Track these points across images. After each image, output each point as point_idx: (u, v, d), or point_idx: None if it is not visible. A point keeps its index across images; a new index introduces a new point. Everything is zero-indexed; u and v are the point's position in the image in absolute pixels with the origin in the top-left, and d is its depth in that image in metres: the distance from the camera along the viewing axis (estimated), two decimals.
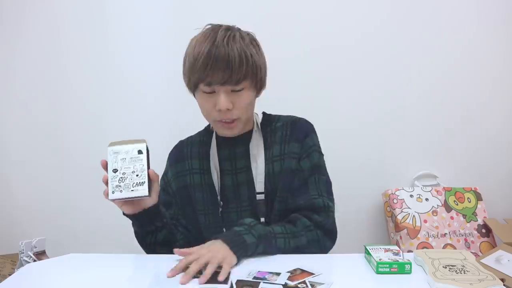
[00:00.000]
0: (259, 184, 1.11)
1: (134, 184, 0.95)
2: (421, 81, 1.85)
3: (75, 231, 1.89)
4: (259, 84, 1.11)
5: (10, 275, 1.49)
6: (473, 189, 1.85)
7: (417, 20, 1.82)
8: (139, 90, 1.87)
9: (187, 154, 1.21)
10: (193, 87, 1.08)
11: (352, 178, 1.79)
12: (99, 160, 1.90)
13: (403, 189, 1.81)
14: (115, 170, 0.95)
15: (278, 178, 1.12)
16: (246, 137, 1.16)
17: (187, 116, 1.79)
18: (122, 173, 0.95)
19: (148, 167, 0.97)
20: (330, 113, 1.82)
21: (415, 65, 1.84)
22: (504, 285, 0.82)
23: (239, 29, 1.10)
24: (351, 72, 1.83)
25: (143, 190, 0.95)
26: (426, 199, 1.80)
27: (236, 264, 0.92)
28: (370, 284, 0.87)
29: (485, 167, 1.88)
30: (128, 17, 1.84)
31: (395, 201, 1.78)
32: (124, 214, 1.04)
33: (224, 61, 1.01)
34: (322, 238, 1.07)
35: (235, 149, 1.15)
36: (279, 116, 1.21)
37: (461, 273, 0.85)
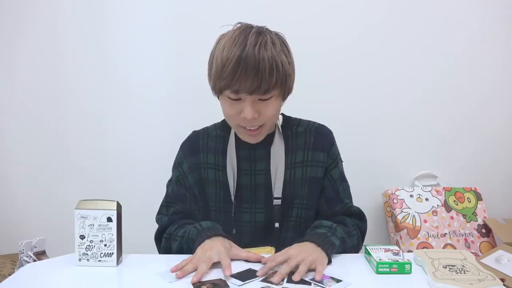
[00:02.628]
0: (277, 189, 1.09)
1: (102, 255, 0.93)
2: (421, 81, 1.85)
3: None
4: (287, 92, 1.07)
5: (10, 275, 1.49)
6: (473, 189, 1.85)
7: (417, 19, 1.82)
8: (139, 90, 1.87)
9: (203, 147, 1.16)
10: (218, 92, 1.04)
11: (352, 178, 1.78)
12: (99, 160, 1.91)
13: (403, 189, 1.81)
14: (82, 237, 0.93)
15: (298, 184, 1.10)
16: (267, 140, 1.12)
17: (188, 117, 1.80)
18: (90, 241, 0.93)
19: (119, 234, 0.94)
20: (330, 113, 1.81)
21: (415, 65, 1.84)
22: (504, 285, 0.82)
23: (270, 32, 1.03)
24: (350, 72, 1.83)
25: (111, 262, 0.93)
26: (426, 199, 1.80)
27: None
28: (370, 284, 0.87)
29: (485, 167, 1.88)
30: (129, 18, 1.84)
31: (395, 201, 1.78)
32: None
33: (254, 69, 0.95)
34: (360, 239, 1.13)
35: (255, 150, 1.12)
36: (299, 119, 1.18)
37: (461, 273, 0.85)
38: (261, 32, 1.01)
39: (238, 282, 0.85)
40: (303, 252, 0.90)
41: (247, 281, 0.85)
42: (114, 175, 1.89)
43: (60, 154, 1.89)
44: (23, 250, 1.54)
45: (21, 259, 1.54)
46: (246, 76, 0.96)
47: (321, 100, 1.82)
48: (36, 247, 1.56)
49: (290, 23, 1.79)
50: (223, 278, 0.86)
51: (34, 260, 1.51)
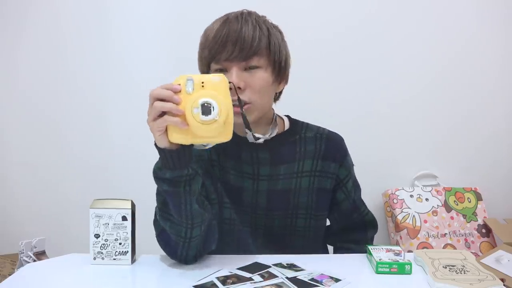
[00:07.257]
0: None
1: (117, 253, 0.94)
2: (421, 81, 1.85)
3: (75, 231, 1.88)
4: (277, 69, 0.98)
5: (10, 275, 1.49)
6: (473, 189, 1.85)
7: (416, 18, 1.82)
8: (143, 89, 1.85)
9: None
10: (206, 70, 0.97)
11: None
12: (100, 160, 1.90)
13: (403, 189, 1.81)
14: (97, 235, 0.94)
15: (303, 194, 1.05)
16: (272, 143, 1.03)
17: None
18: (105, 240, 0.94)
19: (133, 233, 0.96)
20: (329, 113, 1.81)
21: (415, 65, 1.84)
22: (504, 285, 0.82)
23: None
24: (350, 71, 1.83)
25: (126, 260, 0.95)
26: (426, 199, 1.80)
27: None
28: (370, 284, 0.87)
29: (485, 167, 1.88)
30: (132, 15, 1.84)
31: (395, 201, 1.78)
32: (157, 146, 0.91)
33: (235, 34, 0.91)
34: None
35: (258, 154, 1.03)
36: (307, 124, 1.10)
37: (461, 273, 0.85)
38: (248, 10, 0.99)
39: (248, 274, 0.87)
40: None
41: (256, 273, 0.87)
42: (115, 175, 1.88)
43: (60, 154, 1.89)
44: (23, 250, 1.53)
45: (21, 259, 1.54)
46: (228, 42, 0.91)
47: (320, 100, 1.82)
48: (36, 247, 1.56)
49: (286, 17, 1.80)
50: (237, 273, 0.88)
51: (34, 260, 1.50)
